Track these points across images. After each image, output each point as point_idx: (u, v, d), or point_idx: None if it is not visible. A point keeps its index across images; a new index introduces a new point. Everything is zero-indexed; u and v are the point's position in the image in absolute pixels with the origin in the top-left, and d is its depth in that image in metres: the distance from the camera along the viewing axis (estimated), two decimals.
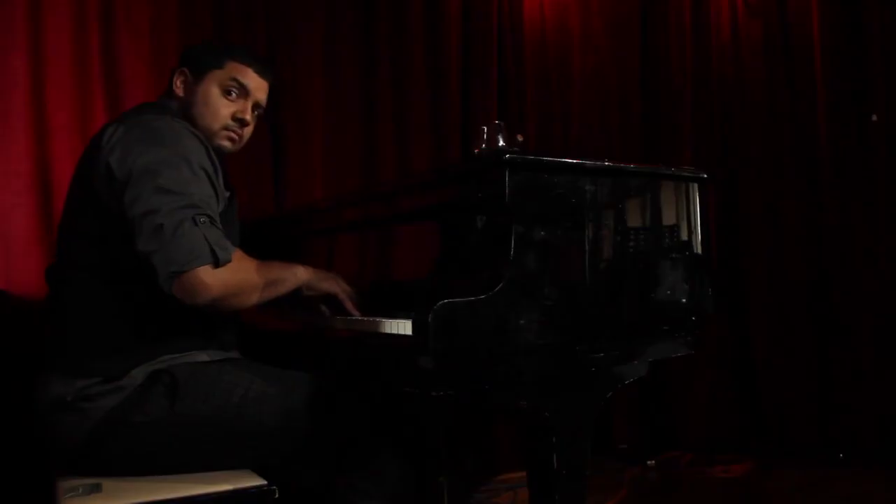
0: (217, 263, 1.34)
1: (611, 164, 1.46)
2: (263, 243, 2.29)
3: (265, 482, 1.41)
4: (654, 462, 3.10)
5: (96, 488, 1.35)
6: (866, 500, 2.59)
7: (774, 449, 3.13)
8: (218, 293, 1.34)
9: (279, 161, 2.85)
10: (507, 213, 1.32)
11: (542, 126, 3.44)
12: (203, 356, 1.51)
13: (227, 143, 1.65)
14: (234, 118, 1.63)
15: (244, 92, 1.63)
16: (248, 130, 1.68)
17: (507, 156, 1.32)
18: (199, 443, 1.43)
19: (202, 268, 1.32)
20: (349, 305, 1.58)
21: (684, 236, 1.60)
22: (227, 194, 1.58)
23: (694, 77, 3.37)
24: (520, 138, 3.19)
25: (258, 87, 1.66)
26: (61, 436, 1.42)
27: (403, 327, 1.30)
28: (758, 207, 3.25)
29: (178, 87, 1.64)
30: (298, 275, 1.52)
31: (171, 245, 1.31)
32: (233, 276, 1.37)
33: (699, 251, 1.61)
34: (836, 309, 3.09)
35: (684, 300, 1.57)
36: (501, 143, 1.78)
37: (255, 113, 1.68)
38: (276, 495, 1.40)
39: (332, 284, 1.58)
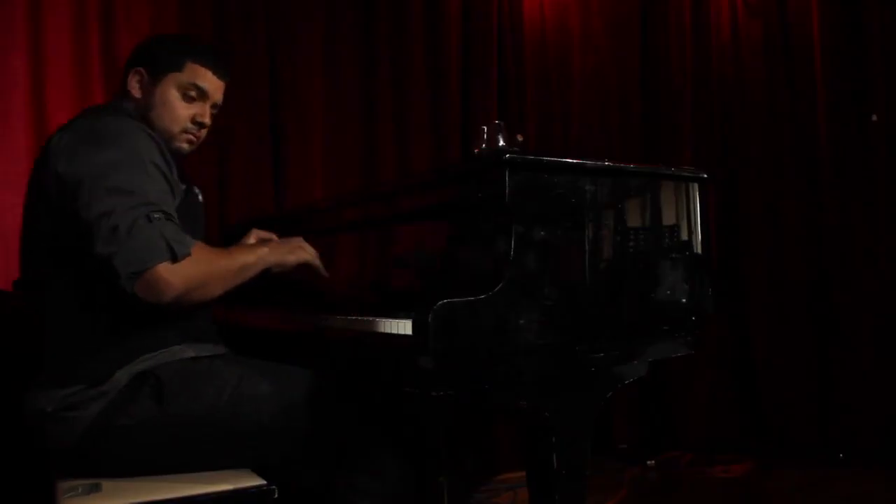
0: (175, 258, 1.32)
1: (611, 164, 1.46)
2: None
3: (265, 482, 1.41)
4: (654, 462, 3.10)
5: (96, 488, 1.35)
6: (866, 500, 2.59)
7: (774, 449, 3.13)
8: (181, 288, 1.33)
9: (279, 161, 2.85)
10: (507, 213, 1.32)
11: (542, 126, 3.44)
12: (189, 352, 1.50)
13: (185, 146, 1.63)
14: (193, 121, 1.61)
15: (203, 95, 1.61)
16: (204, 131, 1.67)
17: (507, 156, 1.32)
18: (191, 443, 1.42)
19: (161, 265, 1.31)
20: (321, 269, 1.63)
21: (684, 236, 1.60)
22: (183, 187, 1.56)
23: (694, 77, 3.37)
24: (520, 138, 3.19)
25: (217, 88, 1.64)
26: (51, 446, 1.42)
27: (403, 327, 1.29)
28: (758, 207, 3.25)
29: (134, 88, 1.60)
30: (264, 257, 1.51)
31: (128, 245, 1.30)
32: (194, 269, 1.35)
33: (699, 251, 1.61)
34: (836, 309, 3.09)
35: (684, 300, 1.57)
36: (501, 142, 1.78)
37: (213, 112, 1.67)
38: (276, 495, 1.40)
39: (301, 254, 1.60)
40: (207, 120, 1.64)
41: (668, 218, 1.58)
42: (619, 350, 1.45)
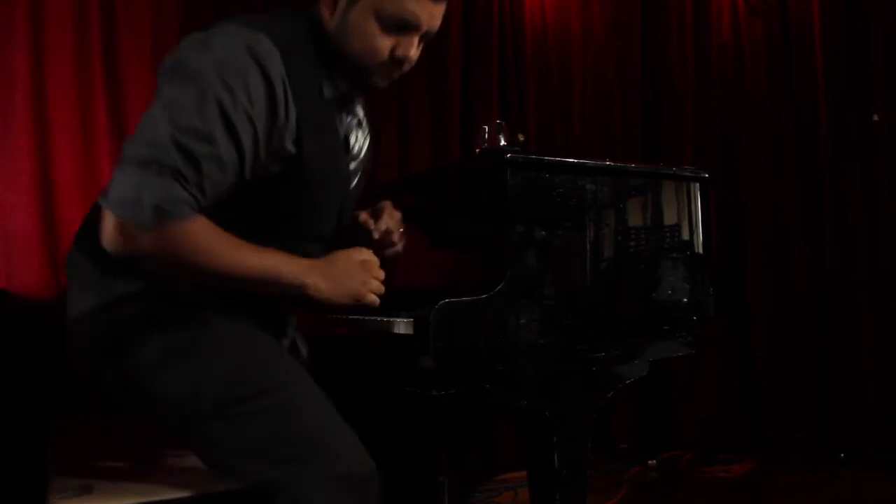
0: (124, 217, 1.09)
1: (612, 163, 1.46)
2: None
3: None
4: (654, 462, 3.10)
5: (87, 490, 1.34)
6: (866, 500, 2.59)
7: (774, 449, 3.13)
8: (128, 251, 1.12)
9: None
10: (508, 213, 1.32)
11: (543, 126, 3.44)
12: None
13: (381, 82, 1.34)
14: (392, 57, 1.29)
15: (409, 27, 1.28)
16: (408, 65, 1.34)
17: (509, 155, 1.32)
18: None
19: (107, 213, 1.12)
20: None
21: (685, 236, 1.60)
22: (293, 150, 1.23)
23: (695, 77, 3.37)
24: (521, 138, 3.19)
25: (431, 14, 1.29)
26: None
27: (404, 327, 1.29)
28: (758, 207, 3.25)
29: (327, 6, 1.29)
30: (303, 280, 1.20)
31: (117, 177, 1.13)
32: (155, 244, 1.11)
33: (700, 251, 1.61)
34: (836, 309, 3.09)
35: (685, 300, 1.57)
36: (502, 142, 1.78)
37: (422, 43, 1.34)
38: None
39: (367, 297, 1.24)
40: (413, 54, 1.30)
41: (670, 218, 1.58)
42: (620, 350, 1.46)
